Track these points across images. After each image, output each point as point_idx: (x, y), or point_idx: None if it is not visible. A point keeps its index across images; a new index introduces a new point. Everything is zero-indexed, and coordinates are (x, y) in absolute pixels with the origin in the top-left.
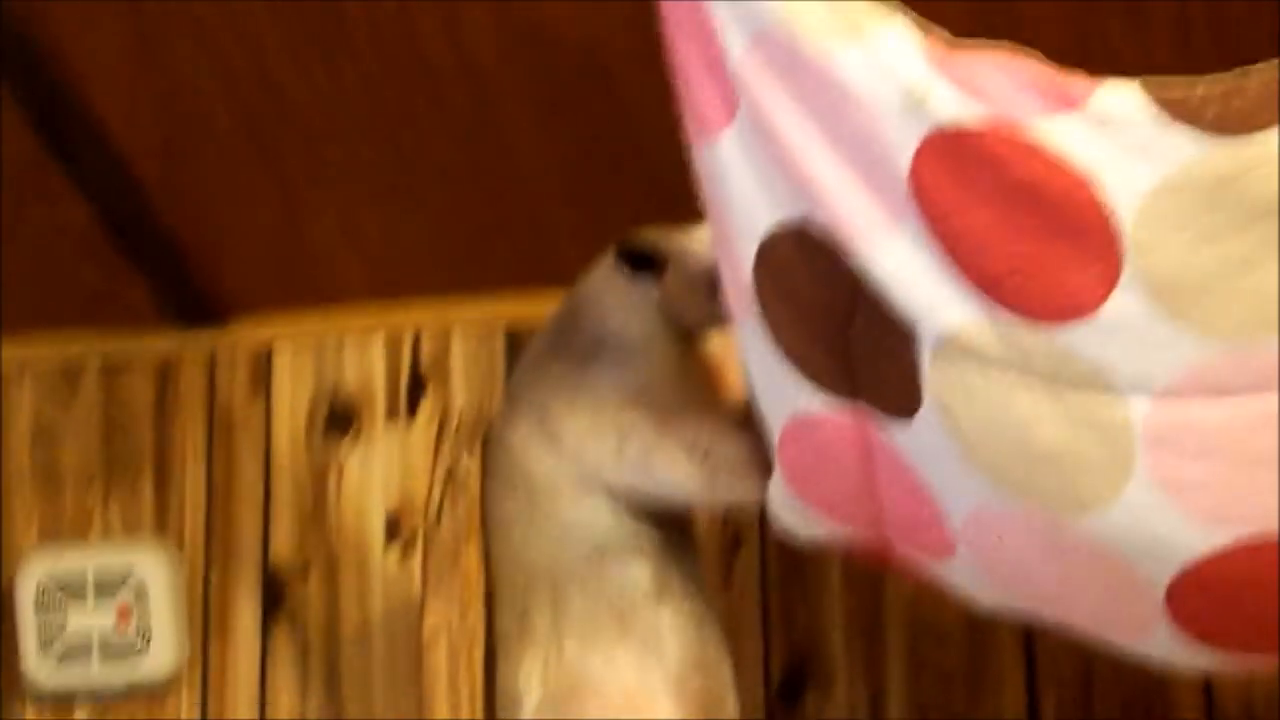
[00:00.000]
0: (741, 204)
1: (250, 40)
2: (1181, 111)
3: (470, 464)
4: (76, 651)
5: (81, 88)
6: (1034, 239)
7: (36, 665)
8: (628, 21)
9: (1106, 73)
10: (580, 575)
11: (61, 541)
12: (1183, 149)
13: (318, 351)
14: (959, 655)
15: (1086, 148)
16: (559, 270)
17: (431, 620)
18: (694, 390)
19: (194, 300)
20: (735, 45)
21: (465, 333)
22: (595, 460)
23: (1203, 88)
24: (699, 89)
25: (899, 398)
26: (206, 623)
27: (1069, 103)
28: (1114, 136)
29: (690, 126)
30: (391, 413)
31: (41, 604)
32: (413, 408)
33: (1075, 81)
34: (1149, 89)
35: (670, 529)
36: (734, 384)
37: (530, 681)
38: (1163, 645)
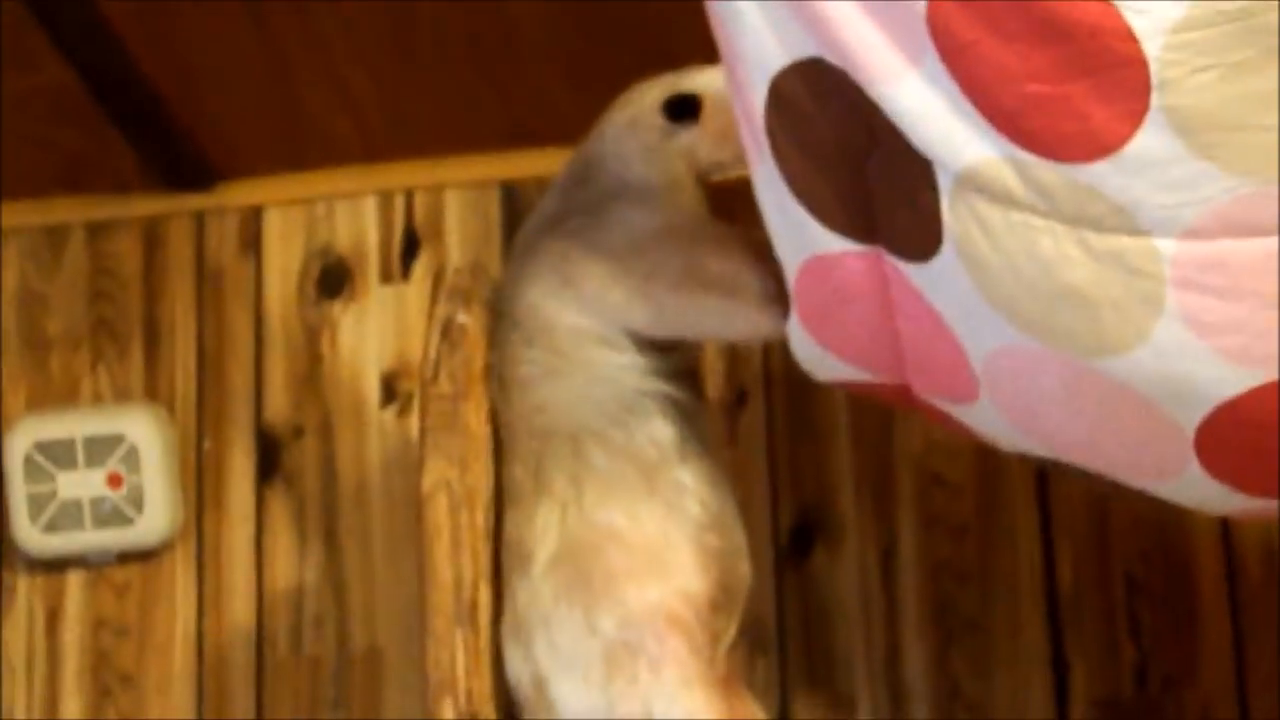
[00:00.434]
0: (753, 43)
1: None
2: None
3: (468, 320)
4: (68, 519)
5: None
6: (1058, 74)
7: (27, 533)
8: None
9: None
10: (602, 433)
11: (50, 408)
12: None
13: (308, 213)
14: (971, 508)
15: None
16: (554, 128)
17: (430, 478)
18: (718, 227)
19: (181, 164)
20: None
21: (459, 192)
22: (618, 304)
23: None
24: None
25: (918, 239)
26: (200, 487)
27: None
28: None
29: None
30: (385, 273)
31: (31, 471)
32: (407, 268)
33: None
34: None
35: (688, 386)
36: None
37: (547, 533)
38: (1192, 488)
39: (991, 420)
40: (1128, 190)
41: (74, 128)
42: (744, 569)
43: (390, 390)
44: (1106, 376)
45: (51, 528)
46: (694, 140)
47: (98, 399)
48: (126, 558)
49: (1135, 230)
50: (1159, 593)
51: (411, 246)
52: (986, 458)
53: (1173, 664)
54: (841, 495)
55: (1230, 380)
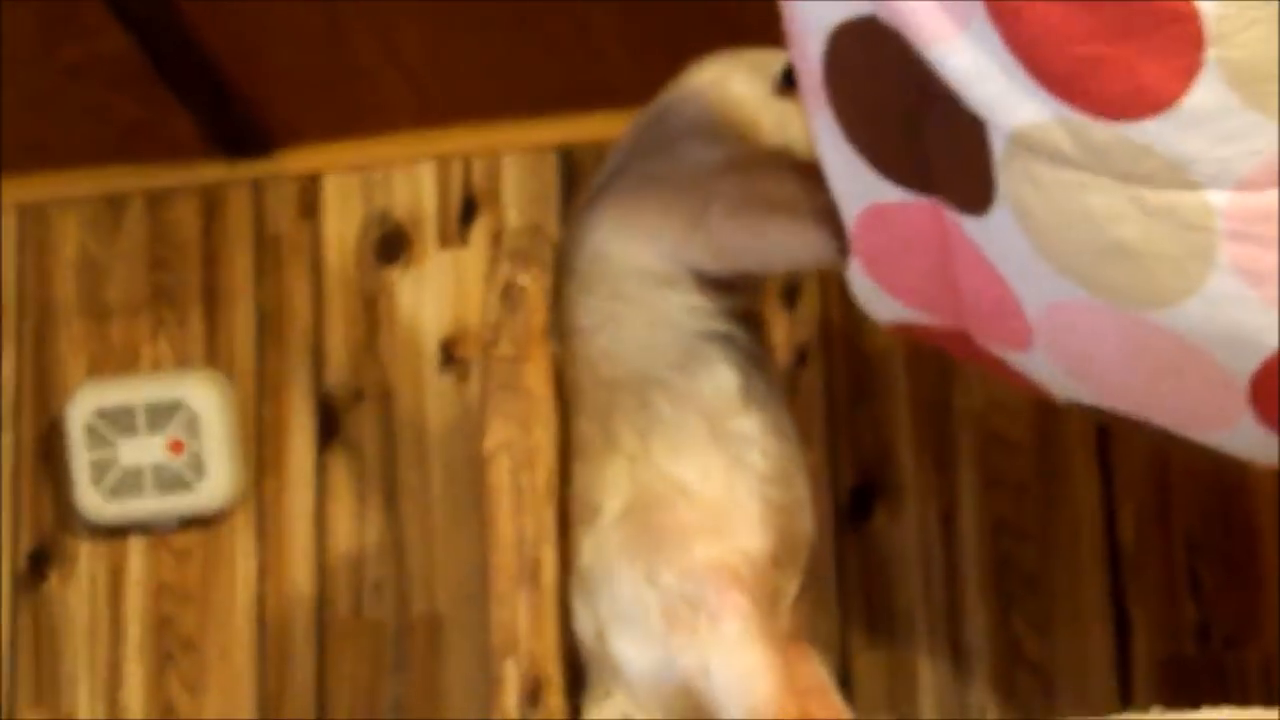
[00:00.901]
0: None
1: None
2: None
3: (527, 282)
4: (129, 485)
5: None
6: (1109, 34)
7: (89, 499)
8: None
9: None
10: (668, 382)
11: (110, 375)
12: None
13: (366, 179)
14: (1032, 467)
15: None
16: (612, 91)
17: (492, 439)
18: (778, 155)
19: (238, 131)
20: None
21: (517, 156)
22: (678, 236)
23: None
24: None
25: (973, 194)
26: (260, 452)
27: None
28: None
29: None
30: (444, 238)
31: (92, 438)
32: (464, 233)
33: None
34: None
35: (751, 329)
36: None
37: (617, 487)
38: (1246, 437)
39: (1046, 368)
40: (1180, 145)
41: (131, 96)
42: (806, 524)
43: (449, 355)
44: (1158, 328)
45: (113, 494)
46: (790, 112)
47: (158, 366)
48: (187, 524)
49: (1188, 185)
50: (1220, 551)
51: (469, 211)
52: (1046, 416)
53: (1234, 622)
54: (901, 455)
55: None
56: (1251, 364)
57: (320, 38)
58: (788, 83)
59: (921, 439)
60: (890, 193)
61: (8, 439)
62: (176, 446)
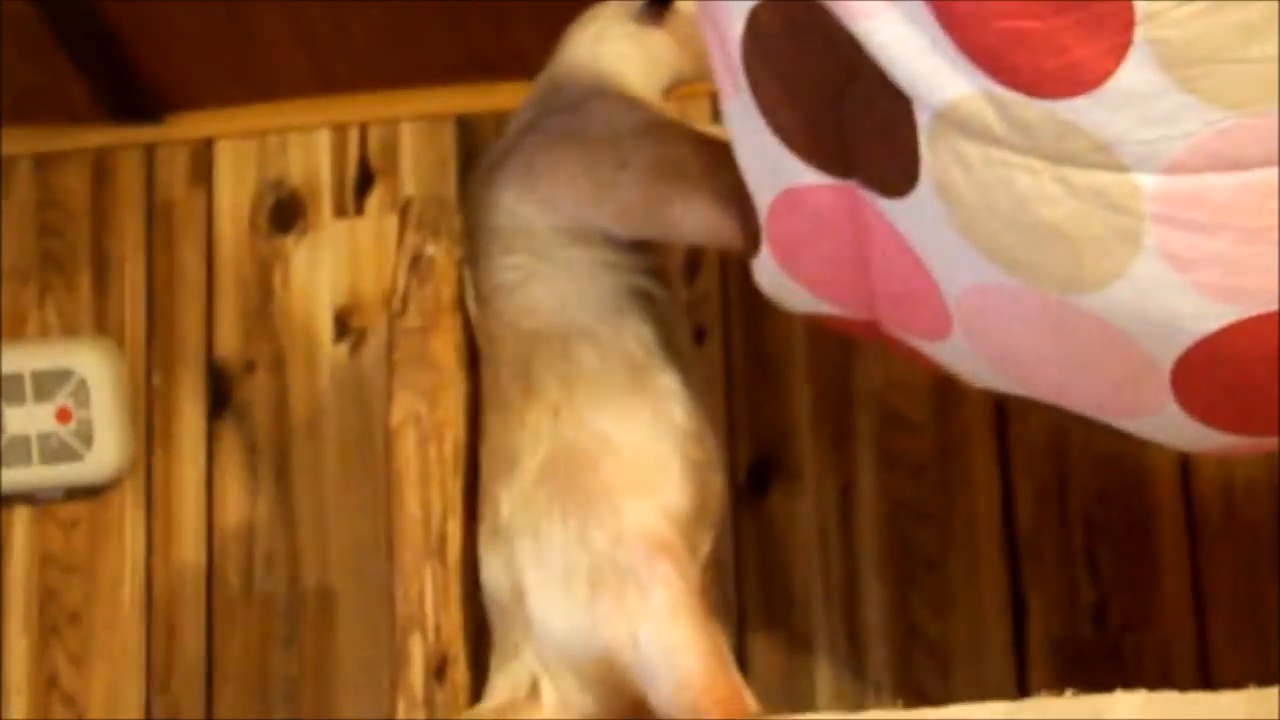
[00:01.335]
0: None
1: None
2: None
3: (436, 252)
4: (15, 454)
5: None
6: (1040, 10)
7: None
8: None
9: None
10: (592, 332)
11: None
12: None
13: (260, 146)
14: (930, 447)
15: None
16: (512, 61)
17: (399, 412)
18: (694, 128)
19: (131, 95)
20: None
21: (414, 125)
22: (588, 197)
23: None
24: None
25: (894, 174)
26: (150, 422)
27: None
28: None
29: None
30: (339, 207)
31: None
32: (360, 202)
33: None
34: None
35: (664, 284)
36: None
37: (538, 438)
38: (1168, 425)
39: (964, 356)
40: (1109, 126)
41: (25, 58)
42: (719, 482)
43: (343, 325)
44: (1083, 312)
45: None
46: (665, 40)
47: (45, 333)
48: (74, 494)
49: (1116, 166)
50: (1118, 534)
51: (365, 180)
52: (945, 396)
53: (1131, 605)
54: (799, 434)
55: (1208, 315)
56: (1176, 350)
57: (222, 3)
58: (653, 5)
59: (820, 418)
60: (805, 176)
61: None
62: (64, 415)
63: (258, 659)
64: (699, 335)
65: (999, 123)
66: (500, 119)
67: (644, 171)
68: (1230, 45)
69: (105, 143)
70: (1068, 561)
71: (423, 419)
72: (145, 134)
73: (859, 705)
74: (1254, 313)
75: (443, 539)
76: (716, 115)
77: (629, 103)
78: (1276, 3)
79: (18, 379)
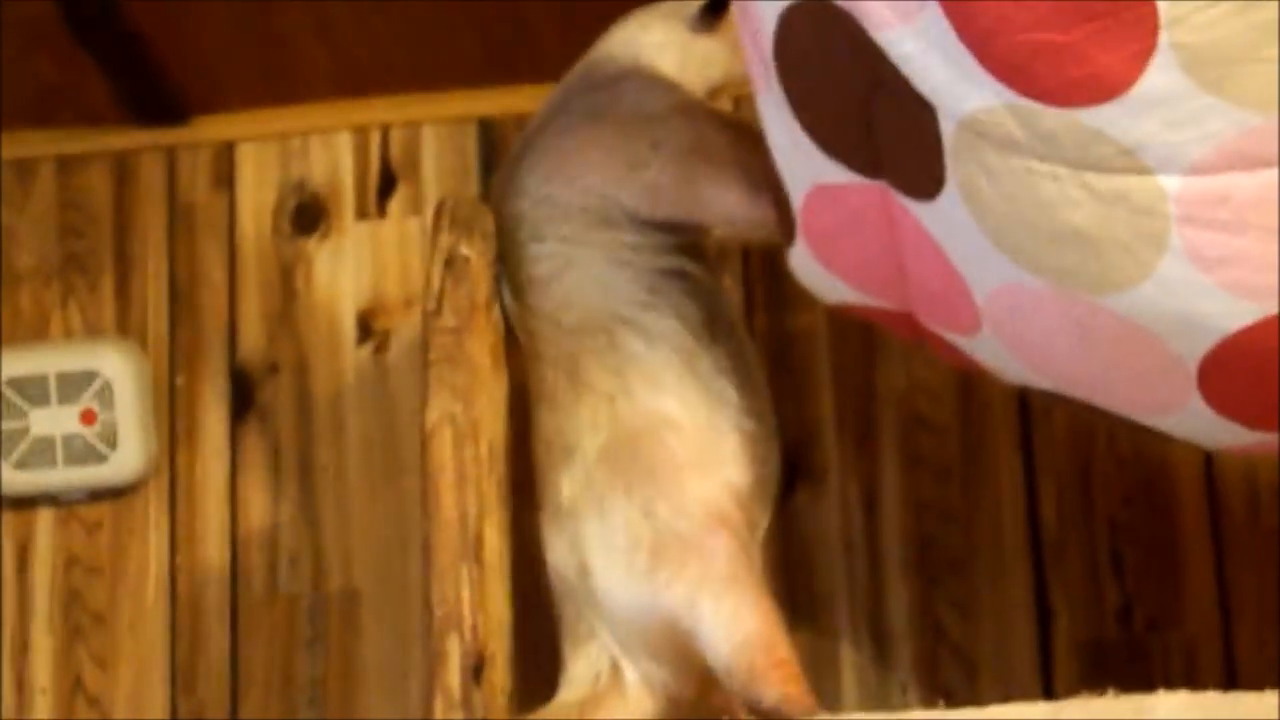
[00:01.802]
0: None
1: None
2: None
3: (471, 252)
4: (39, 455)
5: None
6: (1063, 20)
7: None
8: None
9: None
10: (636, 320)
11: (21, 343)
12: None
13: (283, 147)
14: (954, 449)
15: None
16: (535, 64)
17: (434, 412)
18: (727, 114)
19: (155, 97)
20: None
21: (437, 128)
22: (619, 177)
23: None
24: None
25: (922, 178)
26: (173, 424)
27: None
28: None
29: None
30: (361, 210)
31: (3, 408)
32: (383, 205)
33: None
34: None
35: (703, 262)
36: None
37: (596, 424)
38: (1195, 422)
39: (994, 352)
40: (1134, 130)
41: (48, 59)
42: (776, 457)
43: (366, 327)
44: (1109, 312)
45: (22, 465)
46: (713, 46)
47: (68, 334)
48: (98, 495)
49: (1141, 169)
50: (1142, 534)
51: (388, 183)
52: (970, 399)
53: (1157, 605)
54: (823, 435)
55: (1234, 314)
56: (1202, 348)
57: (246, 5)
58: (710, 13)
59: (844, 419)
60: (838, 174)
61: None
62: (89, 417)
63: (282, 661)
64: None
65: (1021, 132)
66: (522, 122)
67: (676, 152)
68: (1254, 45)
69: (128, 145)
70: (1092, 563)
71: (458, 419)
72: (168, 136)
73: (884, 705)
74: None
75: (479, 539)
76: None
77: (663, 84)
78: None
79: (42, 381)
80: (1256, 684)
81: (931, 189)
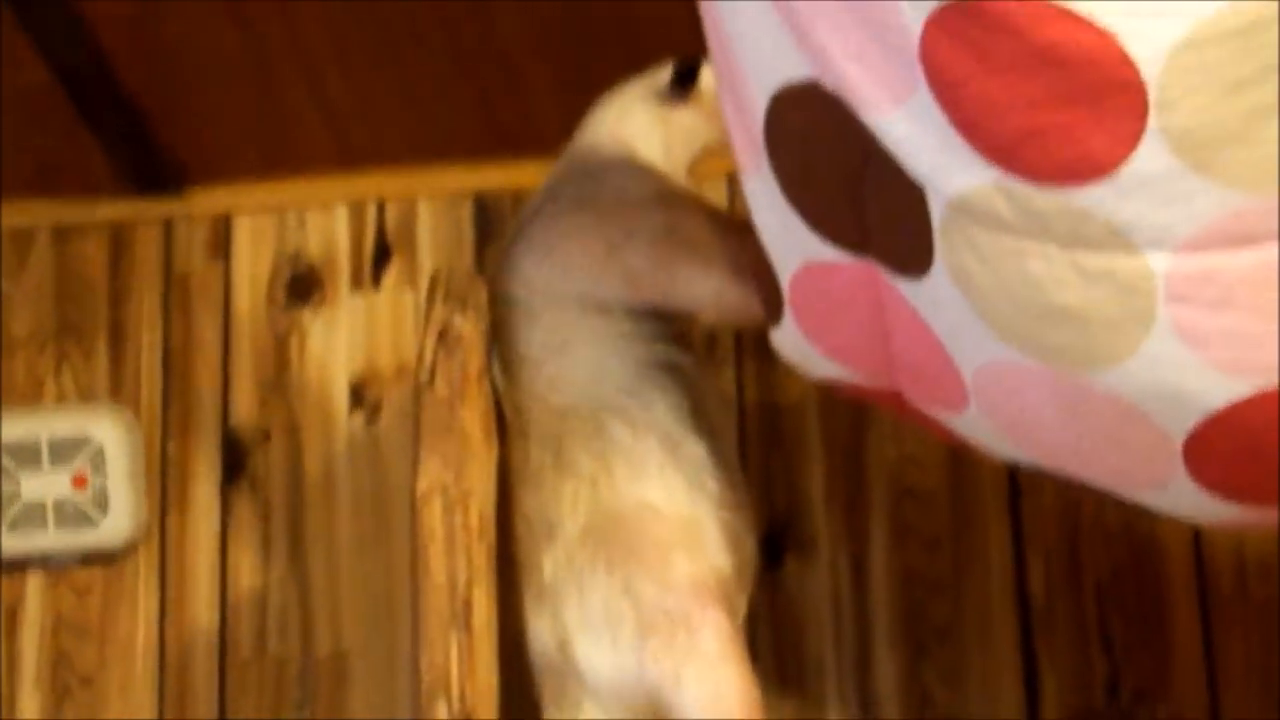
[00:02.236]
0: (754, 59)
1: None
2: None
3: (464, 324)
4: (31, 519)
5: None
6: (1053, 104)
7: None
8: None
9: None
10: (622, 408)
11: (14, 408)
12: None
13: (279, 218)
14: (943, 520)
15: (1114, 4)
16: (532, 139)
17: (426, 480)
18: (704, 200)
19: (151, 166)
20: None
21: (432, 201)
22: (599, 266)
23: None
24: None
25: (911, 256)
26: (164, 490)
27: None
28: None
29: None
30: (356, 281)
31: None
32: (377, 277)
33: None
34: None
35: (689, 350)
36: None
37: (575, 507)
38: (1181, 498)
39: (982, 429)
40: (1122, 210)
41: (47, 129)
42: (752, 545)
43: (358, 396)
44: (1096, 389)
45: (14, 528)
46: (690, 117)
47: (61, 400)
48: (89, 560)
49: (1129, 249)
50: (1130, 605)
51: (383, 255)
52: (959, 469)
53: (1144, 676)
54: (813, 504)
55: (1220, 390)
56: (1188, 424)
57: (245, 77)
58: (681, 85)
59: (834, 488)
60: (826, 252)
61: None
62: (80, 481)
63: None
64: None
65: (1010, 211)
66: (518, 197)
67: (651, 238)
68: (1246, 127)
69: (124, 215)
70: (1081, 633)
71: (449, 488)
72: (164, 208)
73: None
74: (1266, 387)
75: (468, 605)
76: (733, 197)
77: (642, 172)
78: None
79: (34, 445)
80: None
81: (920, 267)
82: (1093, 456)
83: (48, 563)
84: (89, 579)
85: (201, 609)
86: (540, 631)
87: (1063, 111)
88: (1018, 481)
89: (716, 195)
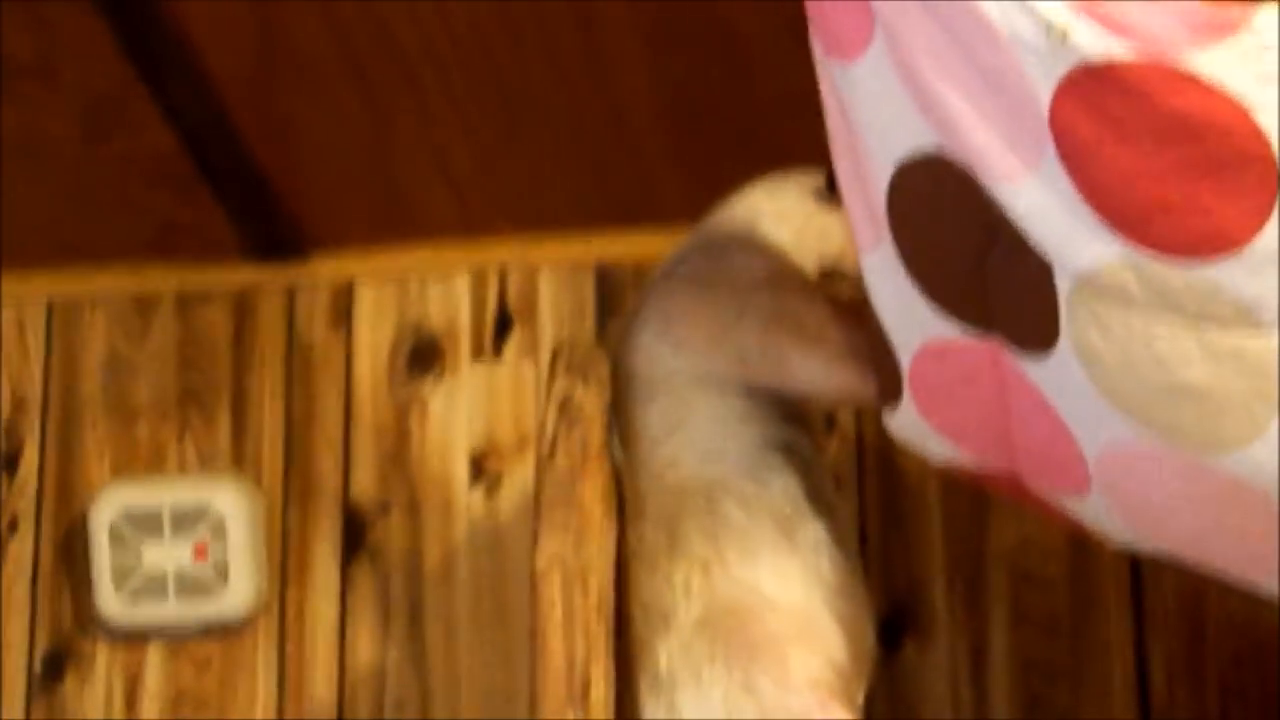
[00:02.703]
0: (876, 130)
1: None
2: None
3: (585, 396)
4: (152, 589)
5: (173, 9)
6: (1183, 175)
7: (110, 602)
8: None
9: None
10: (736, 486)
11: (137, 476)
12: None
13: (401, 287)
14: (1063, 605)
15: (1244, 74)
16: (653, 210)
17: (545, 554)
18: (818, 285)
19: (275, 232)
20: None
21: (554, 272)
22: (709, 344)
23: None
24: (835, 10)
25: (1036, 332)
26: (285, 561)
27: (1225, 29)
28: (1274, 61)
29: (821, 48)
30: (477, 351)
31: (116, 539)
32: (499, 346)
33: (1230, 7)
34: None
35: (806, 433)
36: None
37: (690, 592)
38: None
39: (1102, 514)
40: (1250, 286)
41: (171, 194)
42: (870, 634)
43: (479, 469)
44: (1220, 471)
45: (135, 598)
46: (833, 222)
47: (183, 469)
48: (208, 631)
49: (1257, 327)
50: (1253, 697)
51: (504, 325)
52: (1080, 555)
53: None
54: (933, 588)
55: None
56: None
57: (366, 142)
58: (835, 187)
59: (954, 572)
60: (948, 329)
61: (30, 538)
62: (201, 551)
63: None
64: (834, 482)
65: (1138, 287)
66: (640, 268)
67: (762, 318)
68: None
69: (248, 281)
70: None
71: (568, 562)
72: (288, 275)
73: None
74: None
75: (586, 684)
76: None
77: (765, 252)
78: None
79: (156, 515)
80: None
81: (1045, 345)
82: (1216, 543)
83: (167, 634)
84: (208, 651)
85: (320, 684)
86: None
87: (1193, 183)
88: (1139, 569)
89: None
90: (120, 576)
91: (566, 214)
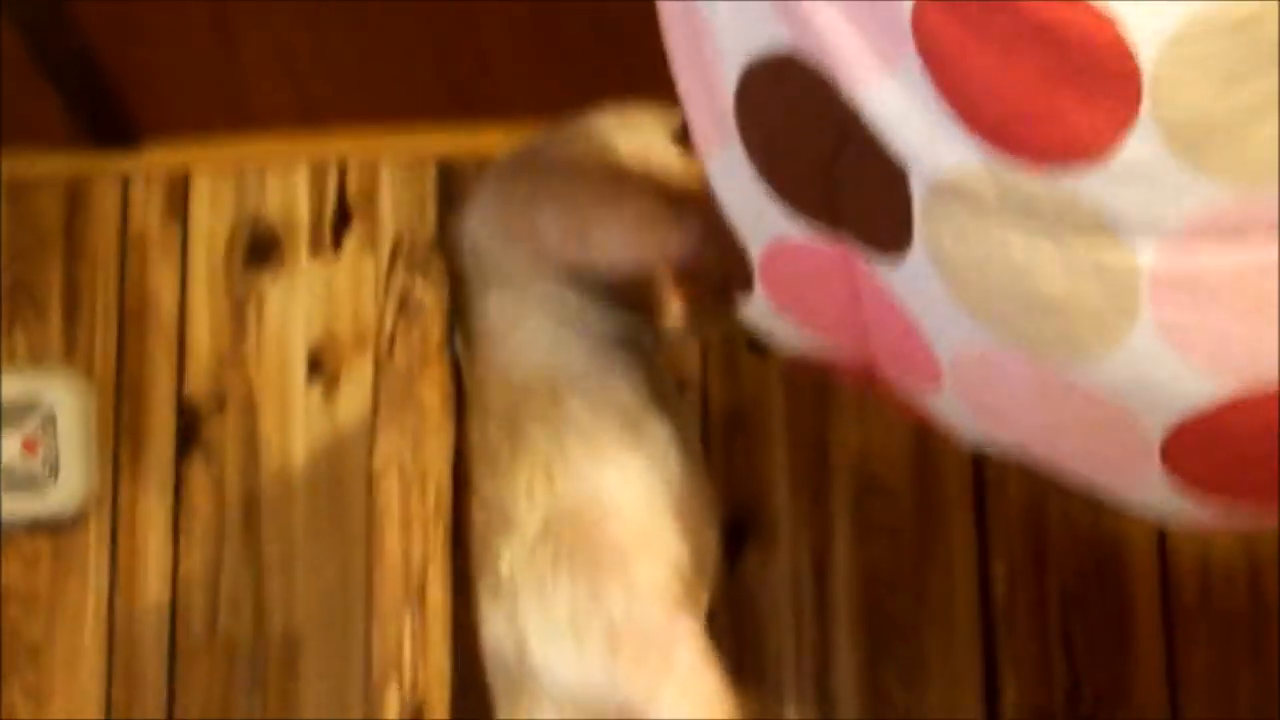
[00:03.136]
0: (726, 29)
1: None
2: None
3: (425, 293)
4: None
5: None
6: (1046, 82)
7: None
8: None
9: None
10: (580, 381)
11: None
12: None
13: (238, 178)
14: (907, 515)
15: None
16: (497, 104)
17: (382, 455)
18: (614, 165)
19: (108, 119)
20: None
21: (395, 165)
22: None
23: None
24: None
25: (888, 235)
26: (117, 457)
27: None
28: None
29: None
30: (316, 245)
31: None
32: (338, 241)
33: None
34: None
35: (651, 339)
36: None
37: (532, 495)
38: (1156, 495)
39: (955, 411)
40: (1109, 199)
41: (2, 79)
42: (714, 535)
43: (317, 366)
44: (1075, 379)
45: None
46: (675, 161)
47: (13, 361)
48: (38, 527)
49: (1115, 239)
50: (1093, 609)
51: (344, 218)
52: (923, 464)
53: (1105, 682)
54: (776, 495)
55: (1202, 390)
56: (1166, 423)
57: (207, 32)
58: (685, 139)
59: (796, 479)
60: (799, 230)
61: None
62: (30, 446)
63: (220, 704)
64: (677, 388)
65: (996, 194)
66: (482, 163)
67: (558, 196)
68: (1239, 122)
69: (80, 169)
70: (1043, 636)
71: (406, 463)
72: (121, 163)
73: None
74: (1249, 388)
75: (423, 586)
76: None
77: (588, 143)
78: None
79: None
80: None
81: (897, 247)
82: (1067, 445)
83: None
84: (38, 548)
85: (153, 582)
86: (496, 627)
87: (1056, 92)
88: (983, 479)
89: None
90: None
91: (409, 106)
